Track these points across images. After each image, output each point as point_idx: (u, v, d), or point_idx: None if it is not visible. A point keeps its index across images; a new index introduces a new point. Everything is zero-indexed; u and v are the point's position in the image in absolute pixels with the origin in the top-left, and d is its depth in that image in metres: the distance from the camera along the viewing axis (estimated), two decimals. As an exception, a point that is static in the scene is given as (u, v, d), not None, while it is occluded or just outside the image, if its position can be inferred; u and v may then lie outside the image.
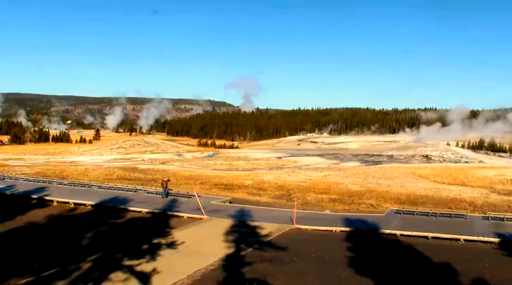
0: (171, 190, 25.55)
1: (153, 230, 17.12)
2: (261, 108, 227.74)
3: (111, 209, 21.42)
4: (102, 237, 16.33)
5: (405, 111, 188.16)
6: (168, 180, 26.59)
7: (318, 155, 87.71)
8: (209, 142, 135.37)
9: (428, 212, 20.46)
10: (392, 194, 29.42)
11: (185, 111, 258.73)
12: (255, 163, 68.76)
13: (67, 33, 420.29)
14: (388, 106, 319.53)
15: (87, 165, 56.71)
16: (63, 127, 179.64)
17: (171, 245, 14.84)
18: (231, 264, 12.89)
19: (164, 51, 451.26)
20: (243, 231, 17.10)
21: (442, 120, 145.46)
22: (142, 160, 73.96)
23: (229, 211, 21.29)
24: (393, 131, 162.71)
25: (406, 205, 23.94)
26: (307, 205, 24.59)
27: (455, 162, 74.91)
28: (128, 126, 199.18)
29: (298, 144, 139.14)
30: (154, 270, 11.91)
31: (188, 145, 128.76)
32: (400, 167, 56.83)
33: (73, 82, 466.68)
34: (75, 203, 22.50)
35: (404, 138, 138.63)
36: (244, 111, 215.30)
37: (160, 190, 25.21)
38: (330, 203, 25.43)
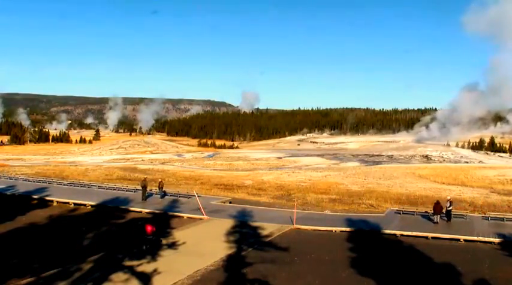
0: (154, 190, 24.58)
1: (153, 231, 17.10)
2: (261, 108, 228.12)
3: (111, 210, 21.43)
4: (103, 237, 16.35)
5: (405, 111, 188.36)
6: (161, 181, 25.13)
7: (318, 155, 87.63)
8: (209, 142, 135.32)
9: (428, 212, 20.46)
10: (392, 195, 29.44)
11: (185, 111, 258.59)
12: (255, 163, 68.73)
13: (67, 33, 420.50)
14: (388, 106, 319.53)
15: (87, 165, 56.70)
16: (63, 127, 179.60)
17: (172, 245, 14.87)
18: (231, 264, 12.91)
19: (164, 51, 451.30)
20: (243, 231, 17.12)
21: (442, 120, 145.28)
22: (142, 160, 73.93)
23: (229, 211, 21.31)
24: (393, 131, 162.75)
25: (406, 205, 23.96)
26: (307, 205, 24.60)
27: (455, 162, 74.81)
28: (128, 126, 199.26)
29: (298, 144, 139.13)
30: (155, 270, 11.93)
31: (188, 145, 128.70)
32: (400, 167, 56.79)
33: (73, 82, 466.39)
34: (75, 204, 22.51)
35: (404, 138, 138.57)
36: (244, 111, 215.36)
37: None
38: (329, 204, 25.45)
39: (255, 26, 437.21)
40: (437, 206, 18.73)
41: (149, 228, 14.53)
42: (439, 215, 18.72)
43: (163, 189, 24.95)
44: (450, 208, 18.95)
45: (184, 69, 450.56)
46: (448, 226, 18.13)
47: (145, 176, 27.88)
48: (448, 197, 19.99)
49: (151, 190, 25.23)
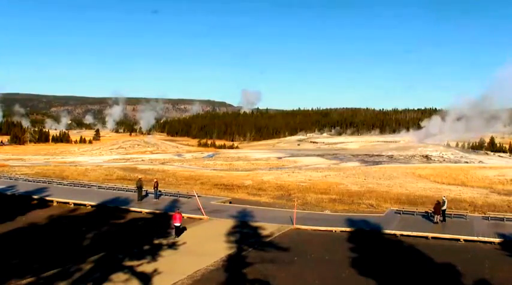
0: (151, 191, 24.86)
1: (154, 231, 17.14)
2: (261, 108, 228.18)
3: (111, 210, 21.43)
4: (103, 237, 16.35)
5: (405, 111, 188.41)
6: (156, 181, 24.83)
7: (318, 155, 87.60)
8: (209, 142, 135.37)
9: (428, 212, 20.46)
10: (392, 195, 29.43)
11: (185, 111, 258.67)
12: (255, 163, 68.72)
13: (67, 34, 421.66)
14: (388, 106, 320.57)
15: (87, 165, 56.69)
16: (62, 127, 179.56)
17: (172, 245, 14.88)
18: (231, 264, 12.91)
19: (164, 51, 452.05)
20: (243, 231, 17.12)
21: (442, 120, 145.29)
22: (142, 160, 73.91)
23: (229, 211, 21.30)
24: (393, 131, 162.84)
25: (406, 205, 23.95)
26: (307, 205, 24.61)
27: (455, 162, 74.79)
28: (128, 126, 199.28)
29: (298, 144, 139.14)
30: (155, 270, 11.94)
31: (188, 145, 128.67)
32: (400, 167, 56.78)
33: (73, 82, 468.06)
34: (75, 204, 22.51)
35: (404, 138, 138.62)
36: (244, 111, 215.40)
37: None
38: (329, 204, 25.45)
39: (255, 26, 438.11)
40: (438, 206, 18.75)
41: (177, 217, 16.03)
42: (439, 215, 18.73)
43: (158, 189, 24.87)
44: (444, 208, 18.96)
45: (184, 69, 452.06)
46: (448, 226, 18.13)
47: (140, 177, 27.88)
48: (443, 197, 19.96)
49: (146, 190, 25.19)
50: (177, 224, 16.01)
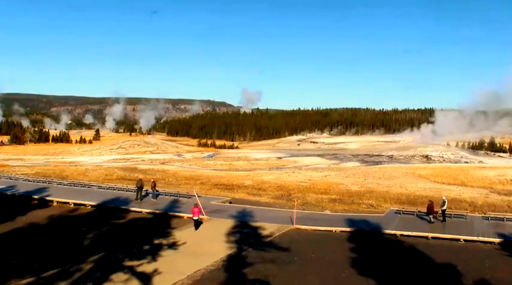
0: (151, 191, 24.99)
1: (154, 231, 17.15)
2: (261, 108, 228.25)
3: (111, 210, 21.43)
4: (103, 237, 16.35)
5: (405, 111, 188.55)
6: (154, 181, 25.11)
7: (318, 155, 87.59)
8: (209, 142, 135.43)
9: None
10: (392, 195, 29.43)
11: (185, 111, 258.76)
12: (255, 163, 68.74)
13: (67, 33, 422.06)
14: (388, 106, 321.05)
15: (87, 165, 56.69)
16: (62, 127, 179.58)
17: (172, 245, 14.87)
18: (232, 264, 12.91)
19: (164, 51, 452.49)
20: (243, 231, 17.12)
21: (442, 120, 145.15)
22: (142, 160, 73.93)
23: (229, 211, 21.29)
24: (393, 131, 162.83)
25: (406, 205, 23.95)
26: (307, 205, 24.60)
27: (455, 162, 74.79)
28: (128, 126, 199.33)
29: (298, 144, 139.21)
30: (155, 270, 11.94)
31: (188, 145, 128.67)
32: (400, 167, 56.77)
33: (73, 82, 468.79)
34: (75, 204, 22.51)
35: (404, 138, 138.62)
36: (244, 111, 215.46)
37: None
38: (329, 204, 25.44)
39: (255, 26, 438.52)
40: (431, 206, 18.76)
41: (195, 211, 17.14)
42: (432, 215, 18.71)
43: (156, 189, 24.86)
44: (444, 208, 18.94)
45: (184, 69, 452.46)
46: (448, 226, 18.13)
47: (140, 177, 27.90)
48: (443, 197, 19.94)
49: (146, 190, 25.20)
50: (195, 218, 17.07)
